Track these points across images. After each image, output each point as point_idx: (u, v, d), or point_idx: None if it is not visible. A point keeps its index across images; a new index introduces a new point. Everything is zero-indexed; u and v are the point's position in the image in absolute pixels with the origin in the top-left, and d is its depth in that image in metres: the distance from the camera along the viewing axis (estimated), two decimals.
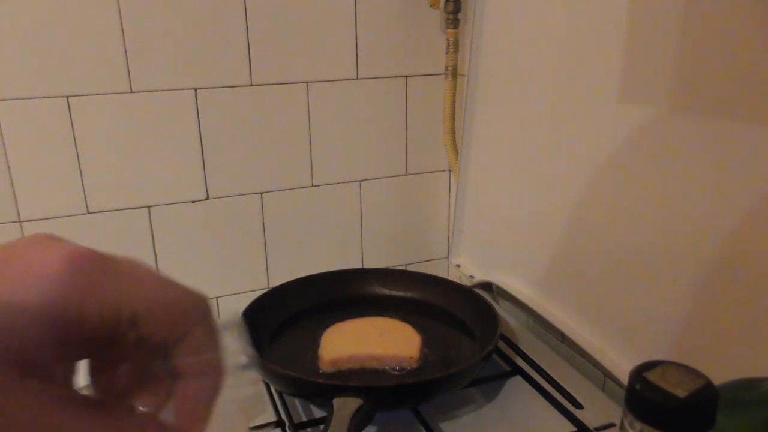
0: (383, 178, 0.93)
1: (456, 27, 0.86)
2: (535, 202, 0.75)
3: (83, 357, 0.24)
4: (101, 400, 0.26)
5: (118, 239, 0.81)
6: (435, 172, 0.96)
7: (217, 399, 0.27)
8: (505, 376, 0.71)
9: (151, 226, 0.82)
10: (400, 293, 0.85)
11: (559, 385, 0.68)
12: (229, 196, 0.85)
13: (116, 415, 0.24)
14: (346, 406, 0.57)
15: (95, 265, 0.23)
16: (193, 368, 0.26)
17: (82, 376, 0.26)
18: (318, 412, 0.66)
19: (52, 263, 0.23)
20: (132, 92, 0.77)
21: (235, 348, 0.28)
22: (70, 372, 0.24)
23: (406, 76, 0.89)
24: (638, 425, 0.30)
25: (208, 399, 0.27)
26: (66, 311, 0.22)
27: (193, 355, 0.26)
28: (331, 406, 0.57)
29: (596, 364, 0.69)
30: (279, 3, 0.80)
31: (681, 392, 0.30)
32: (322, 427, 0.56)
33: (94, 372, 0.26)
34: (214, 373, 0.27)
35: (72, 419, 0.22)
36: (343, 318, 0.76)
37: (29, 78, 0.72)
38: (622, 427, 0.32)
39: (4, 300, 0.22)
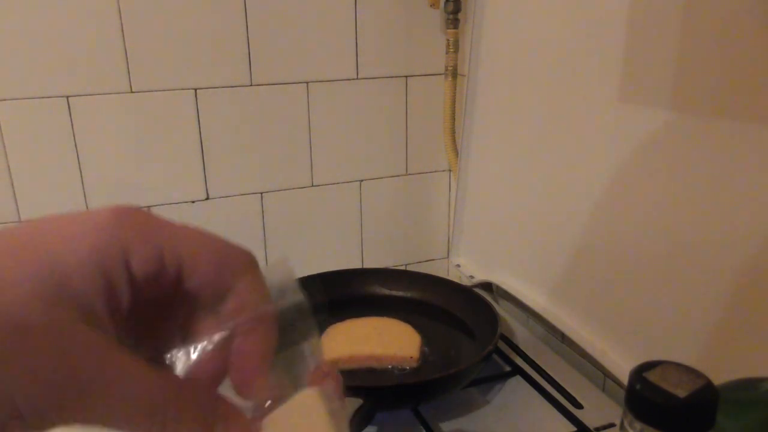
0: (383, 178, 0.93)
1: (456, 27, 0.86)
2: (535, 202, 0.75)
3: (131, 309, 0.24)
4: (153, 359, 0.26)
5: None
6: (435, 172, 0.96)
7: (272, 351, 0.26)
8: (505, 376, 0.71)
9: None
10: (400, 293, 0.85)
11: (559, 385, 0.68)
12: (229, 196, 0.85)
13: (167, 377, 0.24)
14: (346, 406, 0.57)
15: (139, 216, 0.24)
16: (243, 324, 0.26)
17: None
18: None
19: (97, 214, 0.23)
20: (132, 92, 0.77)
21: (287, 286, 0.28)
22: (120, 328, 0.24)
23: (406, 76, 0.89)
24: (638, 425, 0.30)
25: (263, 353, 0.26)
26: (112, 256, 0.23)
27: (242, 311, 0.26)
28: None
29: (596, 364, 0.69)
30: (279, 3, 0.80)
31: (681, 392, 0.30)
32: None
33: (142, 330, 0.26)
34: (266, 326, 0.26)
35: (125, 373, 0.22)
36: (343, 318, 0.76)
37: (29, 78, 0.72)
38: (622, 427, 0.32)
39: (54, 250, 0.22)
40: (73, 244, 0.22)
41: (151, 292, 0.24)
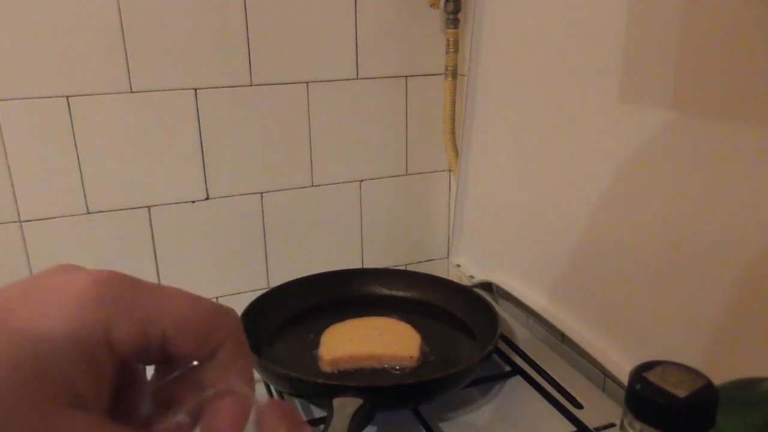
0: (383, 178, 0.93)
1: (456, 27, 0.86)
2: (535, 201, 0.75)
3: (114, 382, 0.23)
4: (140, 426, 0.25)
5: (118, 239, 0.81)
6: (435, 172, 0.96)
7: (250, 414, 0.26)
8: (505, 376, 0.71)
9: (151, 226, 0.82)
10: (400, 293, 0.85)
11: (559, 385, 0.68)
12: (229, 196, 0.85)
13: None
14: (346, 406, 0.57)
15: (120, 286, 0.23)
16: (225, 385, 0.25)
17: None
18: (318, 412, 0.66)
19: (75, 287, 0.22)
20: (132, 92, 0.77)
21: None
22: (104, 400, 0.23)
23: (406, 76, 0.89)
24: (638, 425, 0.30)
25: (241, 414, 0.25)
26: (95, 333, 0.22)
27: (223, 371, 0.25)
28: (331, 406, 0.57)
29: (596, 364, 0.69)
30: (279, 3, 0.80)
31: (681, 392, 0.30)
32: (322, 427, 0.56)
33: (122, 395, 0.25)
34: (247, 388, 0.26)
35: None
36: (343, 318, 0.76)
37: (29, 78, 0.72)
38: (622, 427, 0.32)
39: (32, 330, 0.21)
40: (53, 325, 0.21)
41: (133, 364, 0.24)
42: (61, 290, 0.22)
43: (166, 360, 0.25)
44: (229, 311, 0.26)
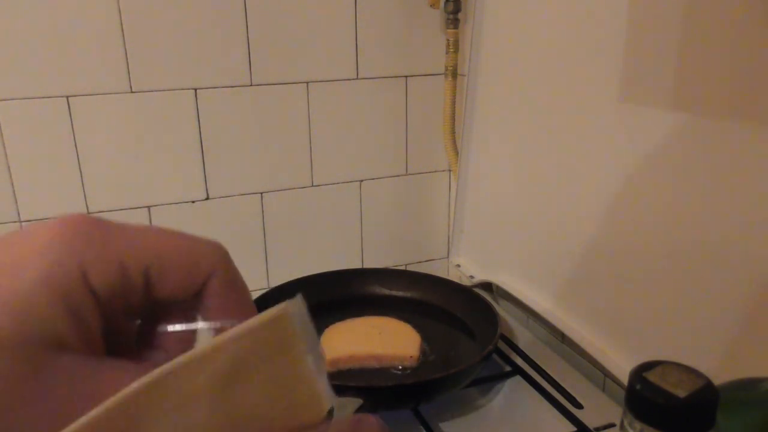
0: (383, 178, 0.93)
1: (456, 27, 0.86)
2: (534, 202, 0.75)
3: (102, 328, 0.22)
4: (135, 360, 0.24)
5: None
6: (435, 172, 0.96)
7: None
8: (505, 376, 0.71)
9: None
10: (400, 293, 0.85)
11: (559, 385, 0.68)
12: (229, 196, 0.85)
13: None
14: (346, 407, 0.57)
15: (90, 225, 0.22)
16: (220, 322, 0.24)
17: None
18: None
19: (45, 233, 0.22)
20: (132, 92, 0.77)
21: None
22: (95, 347, 0.22)
23: (406, 76, 0.89)
24: (638, 425, 0.30)
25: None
26: (70, 275, 0.21)
27: (217, 309, 0.24)
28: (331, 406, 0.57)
29: (596, 364, 0.69)
30: (279, 3, 0.80)
31: (681, 392, 0.30)
32: None
33: (111, 339, 0.24)
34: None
35: (115, 379, 0.20)
36: (343, 318, 0.76)
37: (29, 78, 0.72)
38: (622, 427, 0.32)
39: (6, 278, 0.20)
40: (26, 271, 0.20)
41: (117, 304, 0.23)
42: (31, 237, 0.22)
43: (153, 308, 0.24)
44: (213, 242, 0.25)
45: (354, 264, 0.95)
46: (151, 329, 0.25)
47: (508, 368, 0.72)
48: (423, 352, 0.70)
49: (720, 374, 0.34)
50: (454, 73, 0.88)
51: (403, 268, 0.99)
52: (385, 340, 0.71)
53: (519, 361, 0.73)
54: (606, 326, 0.65)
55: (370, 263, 0.96)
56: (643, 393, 0.30)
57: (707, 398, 0.30)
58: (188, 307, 0.25)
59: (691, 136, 0.52)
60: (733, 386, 0.37)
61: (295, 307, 0.24)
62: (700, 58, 0.50)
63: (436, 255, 1.01)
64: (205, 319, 0.24)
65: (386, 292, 0.85)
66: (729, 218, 0.50)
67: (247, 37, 0.80)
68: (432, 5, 0.86)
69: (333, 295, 0.83)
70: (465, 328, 0.77)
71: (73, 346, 0.21)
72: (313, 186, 0.89)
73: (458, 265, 0.93)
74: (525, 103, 0.74)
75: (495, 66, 0.80)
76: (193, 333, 0.25)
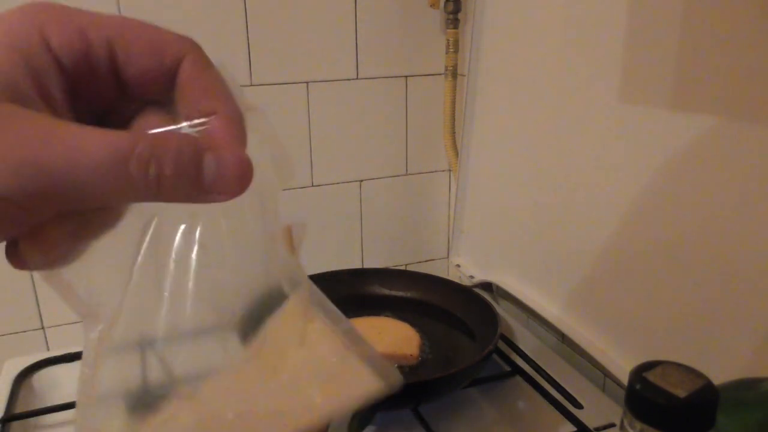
0: (383, 178, 0.93)
1: (456, 27, 0.86)
2: (535, 202, 0.75)
3: (63, 87, 0.22)
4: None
5: None
6: (435, 172, 0.96)
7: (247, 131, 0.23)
8: (505, 376, 0.71)
9: None
10: (400, 293, 0.85)
11: (559, 385, 0.68)
12: None
13: (127, 132, 0.21)
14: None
15: (53, 2, 0.22)
16: (202, 108, 0.23)
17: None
18: None
19: (7, 9, 0.21)
20: None
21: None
22: (59, 108, 0.22)
23: (406, 76, 0.89)
24: (638, 425, 0.30)
25: (236, 132, 0.23)
26: (29, 35, 0.21)
27: (193, 93, 0.23)
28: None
29: (596, 364, 0.69)
30: (279, 3, 0.80)
31: (681, 392, 0.30)
32: None
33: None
34: (228, 104, 0.23)
35: (78, 131, 0.20)
36: None
37: None
38: (622, 427, 0.32)
39: None
40: None
41: (85, 79, 0.22)
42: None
43: (126, 89, 0.23)
44: (183, 35, 0.24)
45: (354, 264, 0.95)
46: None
47: (508, 368, 0.72)
48: (423, 352, 0.70)
49: (720, 374, 0.34)
50: (454, 73, 0.88)
51: (403, 268, 0.99)
52: (384, 340, 0.71)
53: (519, 361, 0.73)
54: (606, 326, 0.65)
55: (370, 263, 0.96)
56: (643, 393, 0.30)
57: (707, 398, 0.30)
58: (165, 103, 0.24)
59: (691, 136, 0.52)
60: (733, 386, 0.37)
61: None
62: (700, 58, 0.50)
63: (436, 255, 1.01)
64: (183, 113, 0.23)
65: (386, 292, 0.85)
66: (729, 217, 0.50)
67: (247, 37, 0.80)
68: (432, 5, 0.86)
69: (333, 295, 0.82)
70: (465, 328, 0.77)
71: (34, 104, 0.21)
72: (313, 186, 0.89)
73: (458, 265, 0.93)
74: (525, 103, 0.74)
75: (495, 66, 0.80)
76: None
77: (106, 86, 0.23)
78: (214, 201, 0.22)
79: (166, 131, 0.22)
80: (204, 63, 0.24)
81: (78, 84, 0.22)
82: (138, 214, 0.24)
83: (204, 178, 0.21)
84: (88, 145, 0.19)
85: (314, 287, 0.26)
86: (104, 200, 0.20)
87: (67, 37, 0.21)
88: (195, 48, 0.24)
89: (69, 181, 0.19)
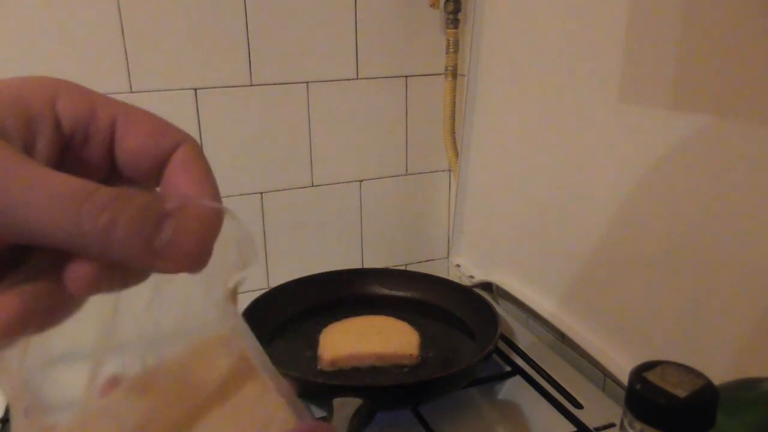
0: (383, 178, 0.93)
1: (456, 27, 0.86)
2: (535, 201, 0.75)
3: (52, 146, 0.22)
4: None
5: None
6: (435, 172, 0.96)
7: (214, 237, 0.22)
8: (505, 376, 0.71)
9: None
10: (400, 293, 0.85)
11: (559, 385, 0.68)
12: (230, 196, 0.85)
13: (90, 183, 0.20)
14: (346, 407, 0.57)
15: (71, 82, 0.23)
16: (185, 197, 0.22)
17: None
18: (318, 412, 0.66)
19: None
20: (132, 92, 0.77)
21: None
22: (38, 155, 0.21)
23: (406, 76, 0.89)
24: (638, 425, 0.30)
25: (209, 227, 0.22)
26: (38, 92, 0.21)
27: (181, 180, 0.23)
28: (331, 406, 0.57)
29: (596, 364, 0.69)
30: (279, 3, 0.80)
31: (681, 392, 0.30)
32: None
33: None
34: (213, 200, 0.23)
35: (42, 168, 0.19)
36: (343, 318, 0.76)
37: None
38: (622, 427, 0.32)
39: None
40: (2, 83, 0.21)
41: (78, 146, 0.22)
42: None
43: (117, 163, 0.23)
44: (185, 132, 0.24)
45: (354, 264, 0.95)
46: None
47: (508, 368, 0.72)
48: (422, 351, 0.70)
49: (720, 374, 0.34)
50: (454, 73, 0.88)
51: (403, 268, 0.99)
52: (384, 339, 0.71)
53: (519, 361, 0.73)
54: (606, 326, 0.65)
55: (370, 263, 0.96)
56: (643, 393, 0.30)
57: (707, 398, 0.30)
58: (150, 187, 0.24)
59: (690, 136, 0.52)
60: (733, 386, 0.37)
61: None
62: (699, 58, 0.50)
63: (436, 255, 1.01)
64: (168, 188, 0.23)
65: (386, 291, 0.85)
66: (728, 218, 0.50)
67: (247, 37, 0.80)
68: (432, 5, 0.86)
69: (333, 295, 0.83)
70: (465, 328, 0.77)
71: (11, 138, 0.20)
72: (313, 186, 0.89)
73: (458, 265, 0.93)
74: (525, 103, 0.74)
75: (495, 66, 0.80)
76: None
77: (97, 159, 0.23)
78: (163, 269, 0.21)
79: (134, 189, 0.21)
80: (196, 153, 0.24)
81: (70, 150, 0.22)
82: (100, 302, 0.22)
83: (158, 240, 0.20)
84: (50, 179, 0.19)
85: (242, 323, 0.24)
86: (51, 238, 0.19)
87: (75, 103, 0.22)
88: (192, 140, 0.24)
89: (19, 206, 0.19)
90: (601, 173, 0.63)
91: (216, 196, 0.24)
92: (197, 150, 0.24)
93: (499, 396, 0.68)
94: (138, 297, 0.22)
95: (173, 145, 0.23)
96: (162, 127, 0.23)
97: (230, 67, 0.80)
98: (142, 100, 0.77)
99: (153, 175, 0.23)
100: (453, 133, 0.91)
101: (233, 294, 0.24)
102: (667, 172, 0.55)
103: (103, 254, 0.20)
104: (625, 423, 0.31)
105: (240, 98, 0.82)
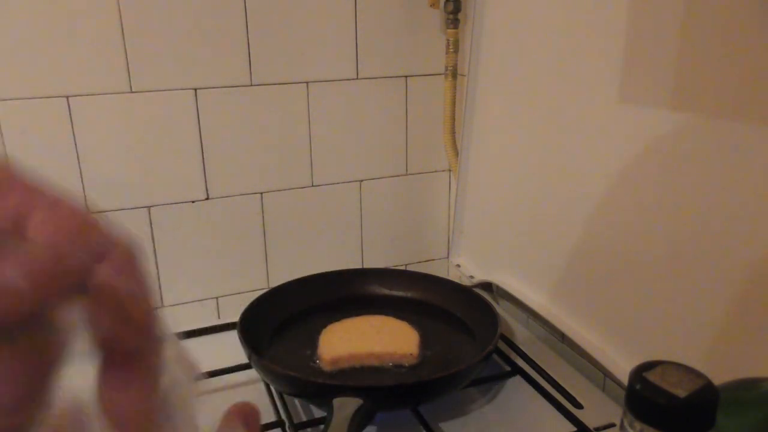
0: (383, 178, 0.93)
1: (456, 27, 0.86)
2: (535, 202, 0.75)
3: None
4: None
5: None
6: (435, 172, 0.96)
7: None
8: (505, 376, 0.71)
9: (151, 226, 0.82)
10: (400, 293, 0.85)
11: (559, 385, 0.68)
12: (229, 196, 0.85)
13: None
14: (345, 407, 0.57)
15: None
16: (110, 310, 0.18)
17: None
18: (318, 412, 0.66)
19: None
20: (132, 92, 0.77)
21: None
22: None
23: (406, 76, 0.89)
24: (638, 425, 0.30)
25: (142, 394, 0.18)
26: None
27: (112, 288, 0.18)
28: (331, 406, 0.57)
29: (596, 364, 0.69)
30: (279, 3, 0.80)
31: (681, 392, 0.30)
32: (322, 427, 0.56)
33: None
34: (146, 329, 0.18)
35: None
36: (343, 318, 0.76)
37: (29, 78, 0.72)
38: (622, 427, 0.32)
39: None
40: None
41: None
42: None
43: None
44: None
45: (354, 264, 0.95)
46: None
47: (508, 368, 0.72)
48: (422, 350, 0.70)
49: (720, 374, 0.34)
50: (454, 73, 0.88)
51: (403, 268, 0.99)
52: (384, 339, 0.71)
53: (519, 361, 0.73)
54: (606, 326, 0.65)
55: (370, 263, 0.96)
56: (643, 393, 0.30)
57: (707, 398, 0.30)
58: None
59: (690, 136, 0.52)
60: (733, 386, 0.37)
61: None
62: (699, 58, 0.50)
63: (436, 255, 1.01)
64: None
65: (386, 291, 0.85)
66: (729, 217, 0.50)
67: (247, 37, 0.80)
68: (432, 5, 0.86)
69: (333, 295, 0.83)
70: (465, 328, 0.77)
71: None
72: (313, 186, 0.89)
73: (458, 265, 0.93)
74: (525, 103, 0.74)
75: (495, 66, 0.80)
76: None
77: None
78: None
79: None
80: (132, 264, 0.20)
81: None
82: None
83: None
84: None
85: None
86: None
87: None
88: (128, 247, 0.20)
89: None
90: (601, 173, 0.63)
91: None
92: (132, 262, 0.19)
93: (499, 396, 0.68)
94: None
95: (104, 248, 0.19)
96: (90, 225, 0.19)
97: (230, 67, 0.80)
98: (142, 100, 0.77)
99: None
100: (453, 133, 0.91)
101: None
102: (667, 172, 0.55)
103: None
104: (625, 423, 0.31)
105: (240, 98, 0.82)
